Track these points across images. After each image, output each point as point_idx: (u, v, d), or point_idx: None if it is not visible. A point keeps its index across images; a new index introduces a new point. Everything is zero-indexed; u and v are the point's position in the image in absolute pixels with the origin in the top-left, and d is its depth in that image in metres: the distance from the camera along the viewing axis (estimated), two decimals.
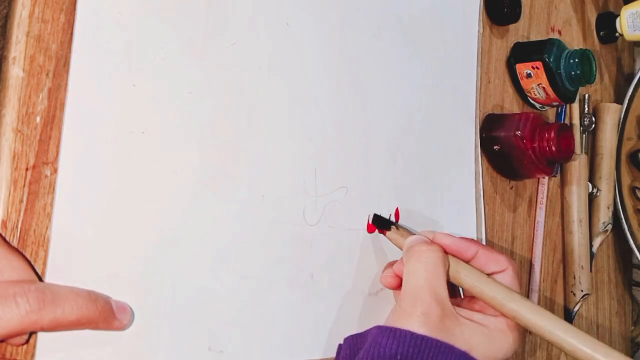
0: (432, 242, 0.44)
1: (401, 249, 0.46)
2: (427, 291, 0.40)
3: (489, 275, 0.44)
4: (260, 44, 0.42)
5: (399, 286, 0.45)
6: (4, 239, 0.31)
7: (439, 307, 0.40)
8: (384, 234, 0.48)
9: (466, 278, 0.43)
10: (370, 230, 0.48)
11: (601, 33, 0.80)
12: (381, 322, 0.43)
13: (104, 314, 0.32)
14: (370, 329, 0.41)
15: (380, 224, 0.48)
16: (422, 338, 0.38)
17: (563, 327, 0.39)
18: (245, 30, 0.41)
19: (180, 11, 0.38)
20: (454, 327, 0.40)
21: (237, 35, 0.41)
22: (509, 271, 0.44)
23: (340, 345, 0.44)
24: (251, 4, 0.42)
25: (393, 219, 0.50)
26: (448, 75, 0.57)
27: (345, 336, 0.44)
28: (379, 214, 0.48)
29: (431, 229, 0.49)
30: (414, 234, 0.47)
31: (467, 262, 0.44)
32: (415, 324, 0.39)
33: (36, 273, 0.32)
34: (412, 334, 0.38)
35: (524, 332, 0.42)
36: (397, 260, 0.47)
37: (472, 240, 0.46)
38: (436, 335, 0.39)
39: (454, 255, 0.44)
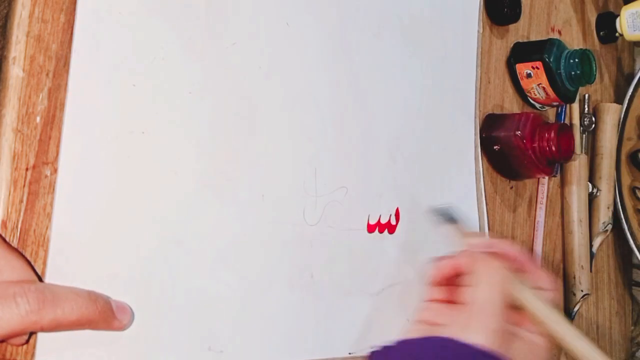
0: (497, 254, 0.44)
1: (459, 246, 0.47)
2: (499, 308, 0.41)
3: None
4: (260, 44, 0.42)
5: (445, 282, 0.46)
6: (4, 239, 0.31)
7: (502, 323, 0.41)
8: (447, 229, 0.49)
9: (527, 302, 0.43)
10: (370, 230, 0.48)
11: (601, 33, 0.80)
12: (382, 322, 0.43)
13: (104, 314, 0.32)
14: (431, 340, 0.41)
15: (445, 216, 0.49)
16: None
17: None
18: (245, 30, 0.41)
19: (180, 11, 0.38)
20: (510, 343, 0.41)
21: (237, 35, 0.41)
22: (551, 294, 0.44)
23: (375, 354, 0.43)
24: (251, 4, 0.42)
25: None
26: (448, 75, 0.57)
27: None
28: (441, 206, 0.50)
29: (428, 229, 0.49)
30: (475, 234, 0.48)
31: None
32: (484, 339, 0.39)
33: (36, 273, 0.31)
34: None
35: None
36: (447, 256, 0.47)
37: (528, 256, 0.46)
38: (500, 347, 0.40)
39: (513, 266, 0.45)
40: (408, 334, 0.43)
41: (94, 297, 0.32)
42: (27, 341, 0.31)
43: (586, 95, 0.74)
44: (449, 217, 0.49)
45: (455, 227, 0.48)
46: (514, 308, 0.43)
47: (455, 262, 0.46)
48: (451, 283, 0.46)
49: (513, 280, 0.43)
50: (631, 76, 0.84)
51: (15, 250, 0.31)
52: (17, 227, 0.31)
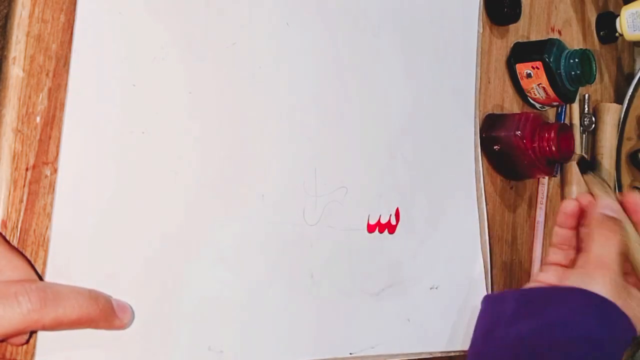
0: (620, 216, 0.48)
1: (591, 194, 0.51)
2: (616, 262, 0.45)
3: None
4: (260, 44, 0.42)
5: (571, 225, 0.51)
6: (5, 239, 0.31)
7: (620, 277, 0.44)
8: (583, 176, 0.53)
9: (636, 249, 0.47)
10: (370, 230, 0.48)
11: (601, 33, 0.80)
12: (382, 322, 0.43)
13: (105, 313, 0.32)
14: (574, 289, 0.44)
15: (583, 165, 0.53)
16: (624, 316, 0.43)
17: None
18: (246, 31, 0.41)
19: (180, 11, 0.38)
20: (627, 297, 0.44)
21: (237, 36, 0.41)
22: None
23: (499, 297, 0.49)
24: (251, 4, 0.42)
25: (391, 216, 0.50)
26: (448, 76, 0.57)
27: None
28: (586, 158, 0.54)
29: (428, 229, 0.49)
30: (607, 191, 0.51)
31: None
32: (604, 290, 0.43)
33: (37, 273, 0.32)
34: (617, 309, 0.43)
35: None
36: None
37: None
38: (617, 300, 0.43)
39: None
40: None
41: (95, 296, 0.32)
42: (28, 341, 0.31)
43: (586, 95, 0.74)
44: (590, 168, 0.53)
45: (591, 177, 0.52)
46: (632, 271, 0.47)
47: (584, 205, 0.50)
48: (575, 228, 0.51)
49: (632, 237, 0.47)
50: (631, 76, 0.84)
51: (17, 249, 0.31)
52: (17, 227, 0.31)
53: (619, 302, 0.43)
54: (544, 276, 0.51)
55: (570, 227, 0.52)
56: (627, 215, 0.49)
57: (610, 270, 0.45)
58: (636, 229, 0.48)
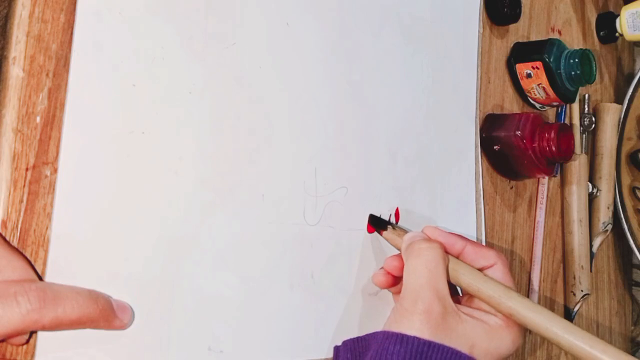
0: (430, 239, 0.44)
1: (398, 249, 0.46)
2: (429, 289, 0.40)
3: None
4: (260, 44, 0.42)
5: (392, 284, 0.46)
6: (5, 239, 0.31)
7: (440, 304, 0.40)
8: (381, 234, 0.48)
9: (463, 276, 0.43)
10: (370, 230, 0.48)
11: (601, 33, 0.80)
12: (382, 322, 0.43)
13: (105, 313, 0.32)
14: (375, 334, 0.41)
15: (376, 224, 0.48)
16: (429, 344, 0.38)
17: (560, 324, 0.39)
18: (246, 30, 0.41)
19: (181, 11, 0.38)
20: (456, 324, 0.40)
21: (237, 35, 0.41)
22: (499, 266, 0.44)
23: (337, 348, 0.43)
24: (251, 4, 0.42)
25: (393, 219, 0.50)
26: (448, 76, 0.57)
27: (343, 339, 0.44)
28: (375, 214, 0.48)
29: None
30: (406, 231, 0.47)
31: (456, 257, 0.44)
32: (417, 323, 0.39)
33: (36, 273, 0.32)
34: (419, 340, 0.38)
35: (524, 328, 0.42)
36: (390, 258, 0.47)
37: (458, 235, 0.45)
38: (439, 332, 0.39)
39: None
40: None
41: (94, 296, 0.32)
42: (27, 341, 0.31)
43: (586, 95, 0.74)
44: (381, 223, 0.48)
45: (389, 232, 0.47)
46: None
47: (388, 265, 0.46)
48: None
49: (444, 259, 0.42)
50: (631, 76, 0.84)
51: (16, 250, 0.31)
52: (17, 227, 0.31)
53: (443, 334, 0.38)
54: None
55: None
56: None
57: (426, 302, 0.39)
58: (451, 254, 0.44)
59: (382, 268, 0.47)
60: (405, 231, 0.47)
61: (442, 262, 0.42)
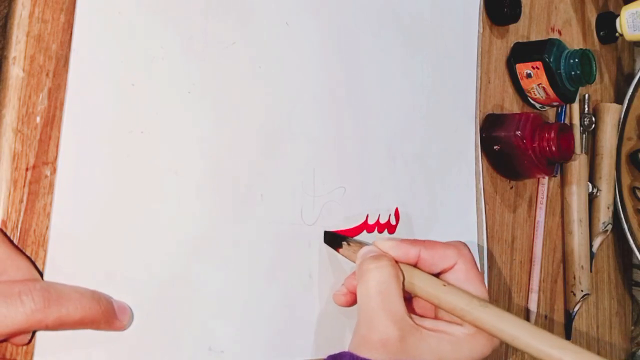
0: (380, 255, 0.41)
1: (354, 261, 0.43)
2: (382, 314, 0.38)
3: (439, 275, 0.41)
4: (259, 44, 0.42)
5: (353, 302, 0.43)
6: (9, 239, 0.31)
7: (397, 328, 0.37)
8: (338, 252, 0.45)
9: (420, 289, 0.40)
10: (369, 230, 0.48)
11: (601, 33, 0.80)
12: None
13: (107, 314, 0.32)
14: (343, 355, 0.39)
15: (331, 241, 0.45)
16: None
17: (527, 331, 0.36)
18: (245, 30, 0.41)
19: (180, 11, 0.38)
20: (419, 343, 0.38)
21: (237, 35, 0.41)
22: (460, 265, 0.41)
23: None
24: (250, 4, 0.42)
25: (393, 219, 0.50)
26: (448, 75, 0.57)
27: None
28: (329, 230, 0.45)
29: (428, 229, 0.47)
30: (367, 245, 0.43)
31: (414, 266, 0.41)
32: (376, 352, 0.37)
33: (39, 273, 0.32)
34: None
35: None
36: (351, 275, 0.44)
37: (412, 241, 0.42)
38: (401, 356, 0.37)
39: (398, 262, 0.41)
40: None
41: (97, 297, 0.32)
42: (30, 341, 0.31)
43: (586, 95, 0.74)
44: (335, 240, 0.45)
45: (345, 249, 0.44)
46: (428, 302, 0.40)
47: (348, 283, 0.43)
48: None
49: (396, 276, 0.39)
50: (631, 76, 0.84)
51: (20, 250, 0.31)
52: (17, 227, 0.31)
53: (405, 356, 0.37)
54: None
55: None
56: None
57: (381, 329, 0.37)
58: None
59: (343, 285, 0.44)
60: (361, 245, 0.43)
61: (394, 281, 0.39)
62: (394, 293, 0.39)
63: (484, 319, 0.38)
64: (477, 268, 0.42)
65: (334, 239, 0.45)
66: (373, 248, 0.42)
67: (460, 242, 0.43)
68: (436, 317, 0.41)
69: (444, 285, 0.39)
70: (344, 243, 0.44)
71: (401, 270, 0.40)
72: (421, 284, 0.40)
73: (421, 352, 0.38)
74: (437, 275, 0.41)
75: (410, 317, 0.39)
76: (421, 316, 0.41)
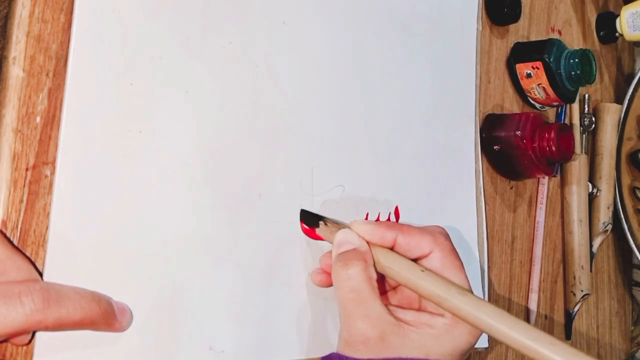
0: (350, 258, 0.39)
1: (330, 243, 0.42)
2: (359, 316, 0.37)
3: (415, 261, 0.40)
4: (257, 43, 0.42)
5: (329, 283, 0.42)
6: (9, 240, 0.31)
7: (376, 329, 0.37)
8: (314, 232, 0.43)
9: (398, 275, 0.39)
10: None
11: (601, 33, 0.80)
12: None
13: (106, 315, 0.32)
14: (332, 356, 0.39)
15: (308, 220, 0.43)
16: None
17: (507, 321, 0.35)
18: (242, 30, 0.41)
19: (178, 11, 0.38)
20: (402, 340, 0.37)
21: (234, 34, 0.41)
22: (436, 253, 0.40)
23: None
24: (248, 3, 0.42)
25: (393, 217, 0.50)
26: (448, 75, 0.57)
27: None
28: (306, 209, 0.44)
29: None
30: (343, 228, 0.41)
31: (391, 249, 0.40)
32: (359, 353, 0.37)
33: (39, 273, 0.32)
34: None
35: None
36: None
37: (389, 224, 0.41)
38: (385, 353, 0.37)
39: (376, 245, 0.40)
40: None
41: (97, 298, 0.32)
42: (30, 341, 0.31)
43: (586, 95, 0.74)
44: (312, 220, 0.43)
45: (322, 229, 0.43)
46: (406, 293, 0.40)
47: (323, 262, 0.42)
48: None
49: (369, 274, 0.38)
50: (631, 76, 0.84)
51: (20, 250, 0.31)
52: (17, 227, 0.31)
53: (390, 353, 0.37)
54: None
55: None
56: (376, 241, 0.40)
57: (360, 331, 0.37)
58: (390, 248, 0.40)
59: (319, 267, 0.43)
60: (339, 226, 0.42)
61: (367, 286, 0.38)
62: (368, 297, 0.38)
63: (461, 307, 0.37)
64: (456, 255, 0.41)
65: (311, 218, 0.43)
66: (348, 236, 0.40)
67: (438, 227, 0.42)
68: (420, 309, 0.41)
69: (422, 271, 0.38)
70: (321, 223, 0.43)
71: (373, 266, 0.39)
72: (398, 268, 0.39)
73: (405, 348, 0.37)
74: (414, 261, 0.40)
75: (391, 313, 0.38)
76: (406, 308, 0.41)
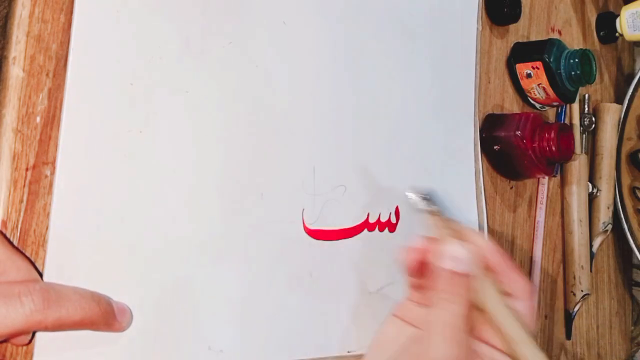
0: (456, 294, 0.39)
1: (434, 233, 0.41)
2: (456, 331, 0.38)
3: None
4: (257, 42, 0.42)
5: (415, 268, 0.41)
6: (9, 240, 0.31)
7: (459, 348, 0.37)
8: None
9: (490, 305, 0.39)
10: (370, 228, 0.48)
11: (601, 33, 0.80)
12: (380, 320, 0.43)
13: (106, 316, 0.32)
14: None
15: (430, 202, 0.42)
16: None
17: None
18: (243, 29, 0.41)
19: (178, 10, 0.38)
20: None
21: (234, 34, 0.41)
22: (522, 302, 0.40)
23: None
24: (248, 3, 0.42)
25: (393, 217, 0.49)
26: (448, 75, 0.57)
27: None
28: (422, 189, 0.43)
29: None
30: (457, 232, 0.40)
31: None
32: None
33: (39, 273, 0.32)
34: None
35: None
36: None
37: (500, 249, 0.41)
38: None
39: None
40: (382, 326, 0.41)
41: (97, 298, 0.32)
42: (30, 341, 0.31)
43: (586, 95, 0.74)
44: (430, 203, 0.42)
45: (434, 216, 0.42)
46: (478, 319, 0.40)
47: (424, 251, 0.40)
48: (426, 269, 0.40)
49: (465, 316, 0.38)
50: (631, 76, 0.84)
51: (20, 251, 0.31)
52: (17, 227, 0.31)
53: None
54: (403, 311, 0.43)
55: (420, 275, 0.42)
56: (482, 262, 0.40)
57: (448, 341, 0.37)
58: (494, 278, 0.40)
59: (417, 245, 0.41)
60: (449, 226, 0.41)
61: (460, 325, 0.38)
62: (457, 333, 0.38)
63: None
64: (534, 312, 0.41)
65: (430, 201, 0.42)
66: (465, 255, 0.39)
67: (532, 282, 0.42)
68: (483, 339, 0.41)
69: (513, 313, 0.39)
70: (438, 211, 0.41)
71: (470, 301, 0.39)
72: (491, 300, 0.39)
73: None
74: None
75: (470, 345, 0.39)
76: (483, 342, 0.41)
